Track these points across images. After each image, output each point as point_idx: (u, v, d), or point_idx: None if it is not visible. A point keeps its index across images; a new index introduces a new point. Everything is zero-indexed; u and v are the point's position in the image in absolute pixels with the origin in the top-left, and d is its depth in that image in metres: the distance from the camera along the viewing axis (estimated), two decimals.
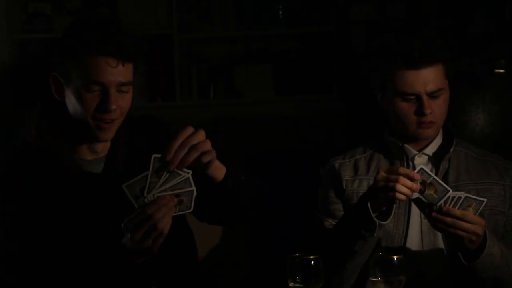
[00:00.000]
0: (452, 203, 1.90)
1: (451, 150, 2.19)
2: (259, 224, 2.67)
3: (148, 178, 1.68)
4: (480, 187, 2.16)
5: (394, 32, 3.70)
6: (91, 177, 1.88)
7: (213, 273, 2.41)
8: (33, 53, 3.86)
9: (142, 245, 1.69)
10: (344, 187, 2.22)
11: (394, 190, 1.88)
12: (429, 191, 1.90)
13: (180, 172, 1.70)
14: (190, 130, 1.72)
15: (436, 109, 2.13)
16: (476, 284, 2.04)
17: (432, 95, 2.12)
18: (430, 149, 2.20)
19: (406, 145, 2.19)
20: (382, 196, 1.92)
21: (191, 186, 1.71)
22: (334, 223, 2.17)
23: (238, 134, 3.79)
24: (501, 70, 3.53)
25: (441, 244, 2.13)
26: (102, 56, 1.78)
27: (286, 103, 3.85)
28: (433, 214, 1.92)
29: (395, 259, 1.75)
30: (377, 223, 1.95)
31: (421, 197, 1.92)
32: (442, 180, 2.15)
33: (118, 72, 1.80)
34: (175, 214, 1.71)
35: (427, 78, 2.11)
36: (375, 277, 1.75)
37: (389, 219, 1.97)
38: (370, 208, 1.94)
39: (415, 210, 2.08)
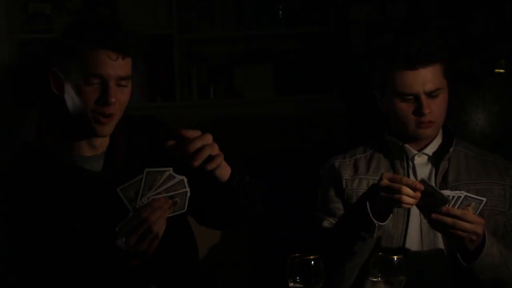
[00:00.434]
0: (452, 202, 1.90)
1: (451, 150, 2.19)
2: (259, 224, 2.67)
3: (141, 185, 1.69)
4: (480, 187, 2.16)
5: (394, 32, 3.70)
6: (91, 175, 1.88)
7: (213, 273, 2.41)
8: (33, 53, 3.86)
9: (138, 248, 1.69)
10: (344, 186, 2.22)
11: (400, 201, 1.90)
12: (429, 199, 1.92)
13: (175, 175, 1.70)
14: (198, 132, 1.75)
15: (435, 109, 2.14)
16: (476, 284, 2.04)
17: (431, 95, 2.13)
18: (430, 149, 2.20)
19: (406, 145, 2.19)
20: (383, 198, 1.93)
21: (185, 187, 1.71)
22: (334, 222, 2.17)
23: (238, 134, 3.79)
24: (501, 70, 3.53)
25: (440, 244, 2.13)
26: (102, 50, 1.79)
27: (286, 103, 3.85)
28: (433, 215, 1.92)
29: (395, 259, 1.75)
30: (376, 225, 1.95)
31: (421, 203, 1.92)
32: (442, 180, 2.15)
33: (118, 66, 1.81)
34: (169, 215, 1.71)
35: (426, 78, 2.11)
36: (375, 277, 1.75)
37: (387, 220, 1.97)
38: (369, 209, 1.94)
39: (414, 210, 2.08)
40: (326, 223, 2.19)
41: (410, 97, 2.13)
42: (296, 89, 3.87)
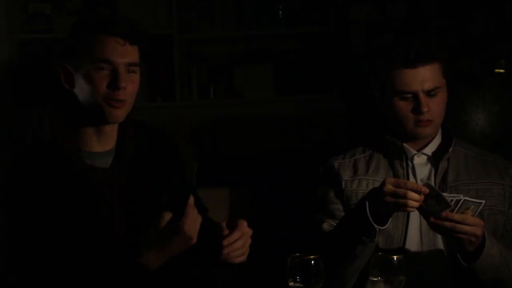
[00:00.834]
0: (452, 206, 1.91)
1: (450, 150, 2.19)
2: (259, 224, 2.67)
3: None
4: (479, 186, 2.16)
5: (394, 32, 3.70)
6: (100, 172, 1.89)
7: (213, 273, 2.41)
8: (33, 53, 3.86)
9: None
10: (343, 187, 2.22)
11: (405, 206, 1.90)
12: (431, 202, 1.92)
13: None
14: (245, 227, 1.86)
15: (434, 108, 2.14)
16: (476, 284, 2.04)
17: (429, 93, 2.13)
18: (429, 149, 2.20)
19: (405, 145, 2.19)
20: (387, 203, 1.93)
21: None
22: (334, 223, 2.17)
23: (238, 134, 3.79)
24: (501, 70, 3.52)
25: (440, 244, 2.13)
26: (110, 36, 1.85)
27: (286, 103, 3.85)
28: (432, 219, 1.92)
29: (395, 259, 1.75)
30: (377, 229, 1.95)
31: (423, 205, 1.92)
32: (441, 180, 2.15)
33: (126, 52, 1.87)
34: None
35: (425, 76, 2.12)
36: (375, 277, 1.75)
37: (387, 224, 1.98)
38: (369, 214, 1.95)
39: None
40: (325, 225, 2.19)
41: (409, 95, 2.13)
42: (296, 89, 3.87)
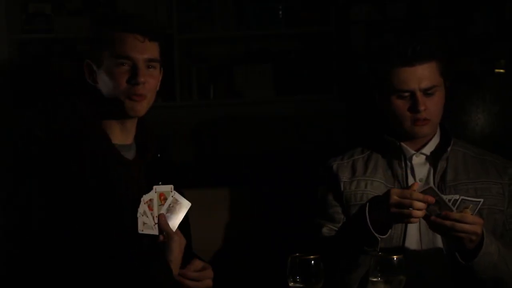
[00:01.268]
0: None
1: (449, 149, 2.20)
2: (259, 224, 2.67)
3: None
4: (478, 186, 2.16)
5: (394, 32, 3.70)
6: (128, 163, 1.95)
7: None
8: (33, 53, 3.86)
9: None
10: (342, 189, 2.22)
11: (409, 216, 1.90)
12: (434, 207, 1.92)
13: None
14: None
15: (431, 107, 2.14)
16: (476, 284, 2.04)
17: (427, 92, 2.13)
18: (428, 149, 2.21)
19: (404, 145, 2.19)
20: (391, 214, 1.93)
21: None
22: (333, 227, 2.17)
23: (238, 134, 3.79)
24: (501, 70, 3.52)
25: (440, 243, 2.13)
26: (130, 33, 1.94)
27: (286, 103, 3.85)
28: (432, 218, 1.92)
29: (395, 259, 1.75)
30: (379, 239, 1.96)
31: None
32: (440, 180, 2.16)
33: (145, 48, 1.95)
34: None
35: (422, 74, 2.12)
36: (375, 277, 1.75)
37: (388, 233, 1.98)
38: (370, 225, 1.95)
39: None
40: (325, 230, 2.19)
41: (406, 94, 2.13)
42: (296, 89, 3.87)
